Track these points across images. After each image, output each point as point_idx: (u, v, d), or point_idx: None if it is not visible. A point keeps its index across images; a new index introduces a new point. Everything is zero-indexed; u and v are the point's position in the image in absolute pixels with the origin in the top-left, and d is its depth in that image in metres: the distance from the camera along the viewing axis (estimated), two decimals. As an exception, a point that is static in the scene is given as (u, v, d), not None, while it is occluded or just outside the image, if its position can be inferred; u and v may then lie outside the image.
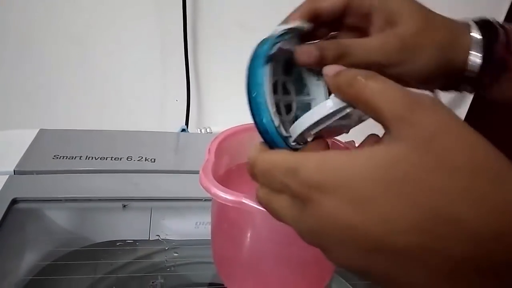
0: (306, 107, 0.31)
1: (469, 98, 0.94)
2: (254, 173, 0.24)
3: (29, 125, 0.66)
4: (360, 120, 0.26)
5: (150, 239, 0.53)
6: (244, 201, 0.31)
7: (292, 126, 0.26)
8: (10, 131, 0.65)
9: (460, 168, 0.18)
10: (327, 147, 0.26)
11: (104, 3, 0.76)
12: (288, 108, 0.30)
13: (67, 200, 0.54)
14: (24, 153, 0.59)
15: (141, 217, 0.55)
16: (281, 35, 0.28)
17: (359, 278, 0.22)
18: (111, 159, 0.59)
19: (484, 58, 0.30)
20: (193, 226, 0.55)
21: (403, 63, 0.29)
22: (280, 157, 0.23)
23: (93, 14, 0.77)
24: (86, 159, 0.58)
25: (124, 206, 0.55)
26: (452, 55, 0.30)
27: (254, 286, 0.41)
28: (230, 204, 0.32)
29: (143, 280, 0.47)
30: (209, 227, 0.42)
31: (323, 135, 0.26)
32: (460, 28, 0.31)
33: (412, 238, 0.18)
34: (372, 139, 0.24)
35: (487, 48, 0.30)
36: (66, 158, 0.58)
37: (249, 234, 0.37)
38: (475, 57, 0.30)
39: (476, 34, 0.30)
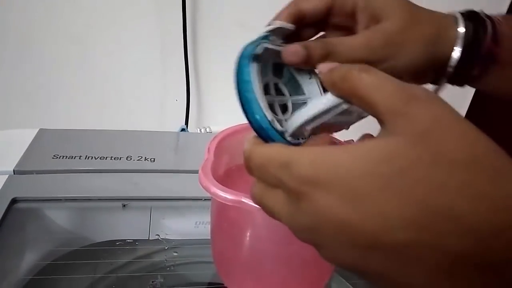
0: (302, 106, 0.31)
1: (470, 94, 0.94)
2: (250, 166, 0.24)
3: (29, 124, 0.66)
4: (360, 117, 0.26)
5: (149, 238, 0.53)
6: (243, 200, 0.31)
7: (288, 121, 0.26)
8: (10, 131, 0.65)
9: (458, 162, 0.18)
10: (331, 142, 0.26)
11: (104, 3, 0.76)
12: (284, 108, 0.30)
13: (67, 199, 0.54)
14: (24, 153, 0.59)
15: (141, 216, 0.55)
16: (265, 36, 0.28)
17: (358, 277, 0.22)
18: (111, 159, 0.59)
19: (472, 51, 0.30)
20: (192, 226, 0.55)
21: (389, 59, 0.29)
22: (274, 151, 0.22)
23: (93, 14, 0.77)
24: (85, 158, 0.58)
25: (124, 205, 0.55)
26: (439, 49, 0.30)
27: (254, 286, 0.41)
28: (230, 204, 0.32)
29: (143, 280, 0.47)
30: (208, 226, 0.42)
31: (322, 130, 0.26)
32: (446, 21, 0.31)
33: (409, 234, 0.18)
34: (367, 138, 0.24)
35: (474, 40, 0.30)
36: (66, 158, 0.58)
37: (248, 234, 0.37)
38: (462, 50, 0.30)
39: (462, 27, 0.30)
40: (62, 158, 0.58)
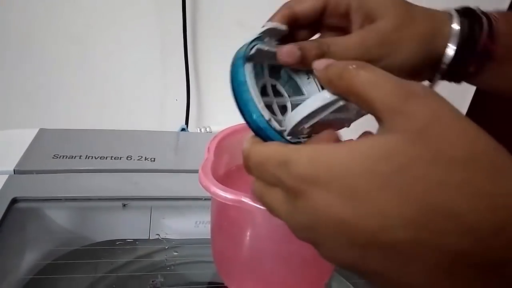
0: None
1: (470, 93, 0.94)
2: (248, 165, 0.24)
3: (29, 124, 0.66)
4: (360, 114, 0.26)
5: (150, 238, 0.53)
6: (243, 199, 0.31)
7: (286, 120, 0.26)
8: (10, 131, 0.65)
9: (457, 160, 0.18)
10: (336, 139, 0.25)
11: (104, 3, 0.76)
12: (284, 110, 0.30)
13: (67, 199, 0.54)
14: (24, 153, 0.59)
15: (141, 216, 0.55)
16: (258, 37, 0.28)
17: (358, 277, 0.21)
18: (111, 159, 0.59)
19: (467, 47, 0.30)
20: (193, 225, 0.55)
21: (385, 58, 0.29)
22: (272, 149, 0.22)
23: (93, 14, 0.77)
24: (86, 158, 0.59)
25: (124, 205, 0.55)
26: (435, 46, 0.30)
27: (254, 285, 0.41)
28: (230, 203, 0.32)
29: (143, 279, 0.47)
30: (209, 226, 0.42)
31: (321, 128, 0.26)
32: (441, 18, 0.31)
33: (408, 233, 0.18)
34: (366, 135, 0.24)
35: (469, 37, 0.30)
36: (66, 158, 0.58)
37: (248, 233, 0.38)
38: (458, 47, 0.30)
39: (457, 24, 0.30)
40: (62, 158, 0.58)
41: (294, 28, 0.31)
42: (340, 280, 0.49)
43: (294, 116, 0.25)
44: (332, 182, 0.19)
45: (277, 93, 0.30)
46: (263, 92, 0.29)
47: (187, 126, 0.85)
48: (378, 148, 0.19)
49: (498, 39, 0.30)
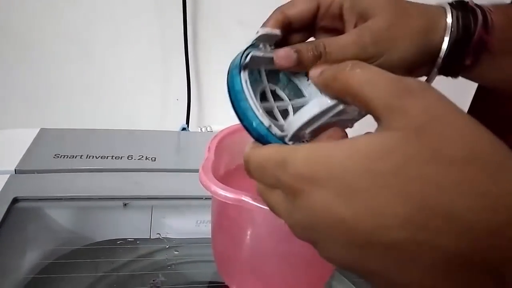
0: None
1: (471, 90, 0.93)
2: (249, 169, 0.24)
3: (29, 124, 0.66)
4: (362, 114, 0.25)
5: (151, 237, 0.53)
6: (243, 199, 0.31)
7: (286, 125, 0.26)
8: (11, 131, 0.65)
9: (455, 158, 0.17)
10: (342, 137, 0.25)
11: (104, 2, 0.76)
12: (286, 113, 0.30)
13: (68, 199, 0.54)
14: (25, 152, 0.59)
15: (142, 215, 0.55)
16: (253, 44, 0.28)
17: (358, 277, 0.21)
18: (112, 158, 0.59)
19: (462, 40, 0.30)
20: (193, 225, 0.55)
21: (381, 55, 0.29)
22: (271, 151, 0.22)
23: (93, 13, 0.77)
24: (86, 158, 0.59)
25: (125, 204, 0.55)
26: (430, 41, 0.30)
27: (254, 284, 0.41)
28: (230, 202, 0.32)
29: (144, 279, 0.47)
30: (209, 225, 0.42)
31: (324, 131, 0.26)
32: (435, 13, 0.30)
33: (405, 233, 0.17)
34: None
35: (464, 29, 0.30)
36: (67, 157, 0.58)
37: (249, 232, 0.38)
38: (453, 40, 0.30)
39: (450, 17, 0.30)
40: (63, 157, 0.58)
41: (288, 32, 0.31)
42: (341, 279, 0.49)
43: (294, 122, 0.25)
44: (329, 181, 0.19)
45: (278, 98, 0.30)
46: (263, 98, 0.29)
47: (188, 126, 0.85)
48: (374, 146, 0.19)
49: (493, 31, 0.30)
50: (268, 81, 0.30)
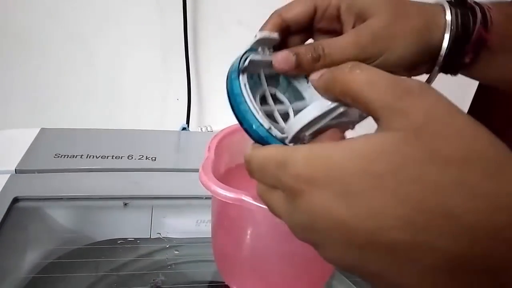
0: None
1: (472, 90, 0.93)
2: (250, 169, 0.24)
3: (30, 124, 0.66)
4: (363, 116, 0.25)
5: (151, 237, 0.53)
6: (244, 198, 0.31)
7: (286, 127, 0.26)
8: (11, 130, 0.65)
9: (453, 159, 0.17)
10: (341, 138, 0.25)
11: (104, 3, 0.76)
12: (286, 117, 0.30)
13: (68, 198, 0.54)
14: (25, 152, 0.59)
15: (142, 215, 0.55)
16: (251, 48, 0.28)
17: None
18: (112, 158, 0.59)
19: (462, 37, 0.30)
20: (194, 224, 0.55)
21: (380, 55, 0.29)
22: (271, 151, 0.22)
23: (93, 14, 0.77)
24: (87, 157, 0.59)
25: (125, 204, 0.55)
26: (429, 39, 0.30)
27: (255, 284, 0.41)
28: (230, 202, 0.32)
29: (144, 278, 0.47)
30: (209, 225, 0.42)
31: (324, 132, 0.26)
32: (434, 11, 0.30)
33: (404, 234, 0.17)
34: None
35: (463, 27, 0.30)
36: (67, 157, 0.58)
37: (249, 232, 0.38)
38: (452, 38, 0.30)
39: (449, 15, 0.30)
40: (64, 157, 0.58)
41: (286, 35, 0.31)
42: (341, 279, 0.49)
43: (294, 124, 0.25)
44: (328, 182, 0.19)
45: (278, 101, 0.30)
46: (264, 102, 0.29)
47: (188, 125, 0.85)
48: (374, 147, 0.19)
49: (492, 28, 0.30)
50: (268, 84, 0.30)
